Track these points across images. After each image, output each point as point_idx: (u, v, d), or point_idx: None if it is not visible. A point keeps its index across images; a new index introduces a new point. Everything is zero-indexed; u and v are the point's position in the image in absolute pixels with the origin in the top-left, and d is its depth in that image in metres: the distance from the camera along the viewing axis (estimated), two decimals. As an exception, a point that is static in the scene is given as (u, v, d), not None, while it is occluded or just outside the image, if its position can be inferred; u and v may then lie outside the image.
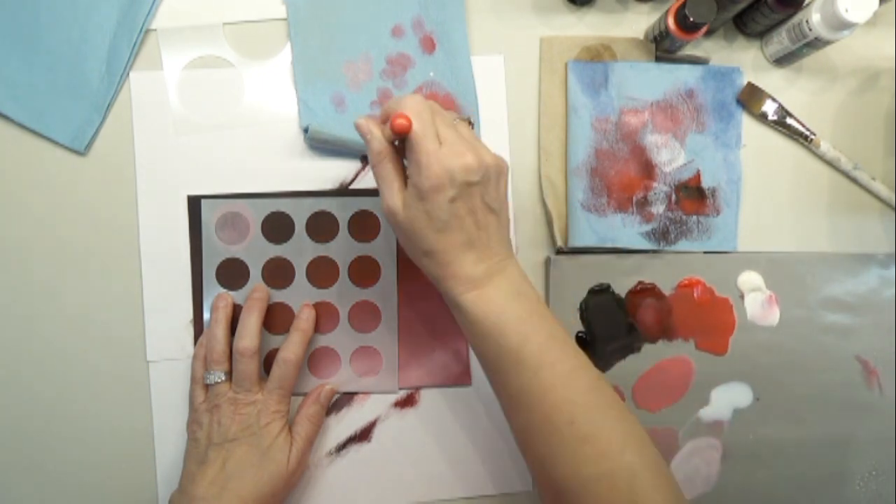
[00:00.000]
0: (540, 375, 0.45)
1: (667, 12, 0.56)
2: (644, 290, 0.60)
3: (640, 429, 0.46)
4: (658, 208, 0.60)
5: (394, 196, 0.45)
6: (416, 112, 0.44)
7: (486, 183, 0.45)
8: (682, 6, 0.54)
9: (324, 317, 0.58)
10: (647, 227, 0.60)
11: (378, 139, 0.45)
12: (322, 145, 0.58)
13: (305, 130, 0.57)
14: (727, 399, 0.60)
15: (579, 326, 0.59)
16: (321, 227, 0.58)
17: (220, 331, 0.54)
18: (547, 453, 0.45)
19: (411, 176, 0.44)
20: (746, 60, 0.63)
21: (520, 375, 0.45)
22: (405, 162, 0.46)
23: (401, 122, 0.42)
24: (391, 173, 0.45)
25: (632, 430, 0.45)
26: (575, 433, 0.44)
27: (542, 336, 0.46)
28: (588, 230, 0.59)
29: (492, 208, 0.46)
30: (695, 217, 0.60)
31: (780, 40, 0.59)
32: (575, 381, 0.45)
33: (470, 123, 0.49)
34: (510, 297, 0.46)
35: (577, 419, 0.44)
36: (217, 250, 0.57)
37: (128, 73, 0.58)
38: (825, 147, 0.62)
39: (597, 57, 0.61)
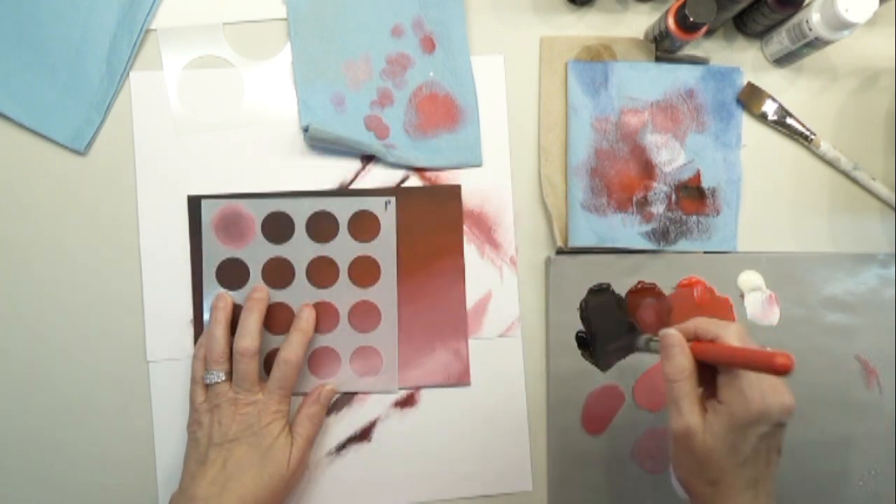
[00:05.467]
0: None
1: (667, 12, 0.56)
2: (644, 290, 0.60)
3: None
4: (658, 208, 0.60)
5: (694, 417, 0.43)
6: (742, 340, 0.43)
7: (787, 425, 0.44)
8: (682, 6, 0.54)
9: (324, 317, 0.58)
10: (647, 227, 0.60)
11: (688, 356, 0.43)
12: (322, 145, 0.58)
13: (305, 130, 0.57)
14: (727, 399, 0.60)
15: (579, 326, 0.59)
16: (321, 227, 0.58)
17: (220, 331, 0.54)
18: None
19: (726, 401, 0.42)
20: (746, 60, 0.62)
21: None
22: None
23: (784, 361, 0.38)
24: (692, 393, 0.43)
25: None
26: None
27: None
28: (588, 230, 0.59)
29: (780, 450, 0.45)
30: (695, 217, 0.60)
31: (780, 40, 0.59)
32: None
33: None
34: None
35: None
36: (217, 250, 0.57)
37: (128, 73, 0.58)
38: (825, 147, 0.62)
39: (597, 57, 0.61)
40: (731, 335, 0.43)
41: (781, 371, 0.38)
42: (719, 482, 0.43)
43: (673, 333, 0.44)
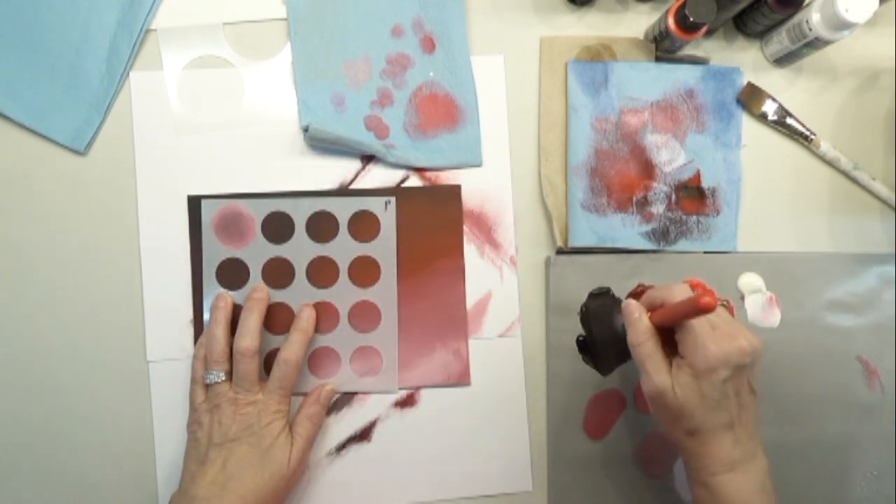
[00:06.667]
0: None
1: (667, 12, 0.56)
2: (644, 293, 0.59)
3: None
4: (658, 208, 0.60)
5: (661, 375, 0.45)
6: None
7: (753, 365, 0.46)
8: (682, 6, 0.54)
9: (324, 317, 0.58)
10: (647, 227, 0.60)
11: (645, 322, 0.47)
12: (322, 145, 0.58)
13: (305, 130, 0.57)
14: (727, 399, 0.60)
15: (579, 330, 0.58)
16: (321, 227, 0.58)
17: (220, 331, 0.54)
18: None
19: (686, 356, 0.45)
20: (746, 60, 0.62)
21: None
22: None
23: (708, 300, 0.41)
24: (656, 353, 0.46)
25: None
26: None
27: None
28: (588, 230, 0.59)
29: (753, 389, 0.47)
30: (695, 217, 0.60)
31: (780, 40, 0.59)
32: None
33: (729, 308, 0.50)
34: (756, 490, 0.46)
35: None
36: (217, 250, 0.57)
37: (128, 73, 0.58)
38: (825, 147, 0.62)
39: (597, 57, 0.61)
40: (676, 296, 0.46)
41: (705, 309, 0.41)
42: (697, 430, 0.45)
43: (630, 302, 0.48)
